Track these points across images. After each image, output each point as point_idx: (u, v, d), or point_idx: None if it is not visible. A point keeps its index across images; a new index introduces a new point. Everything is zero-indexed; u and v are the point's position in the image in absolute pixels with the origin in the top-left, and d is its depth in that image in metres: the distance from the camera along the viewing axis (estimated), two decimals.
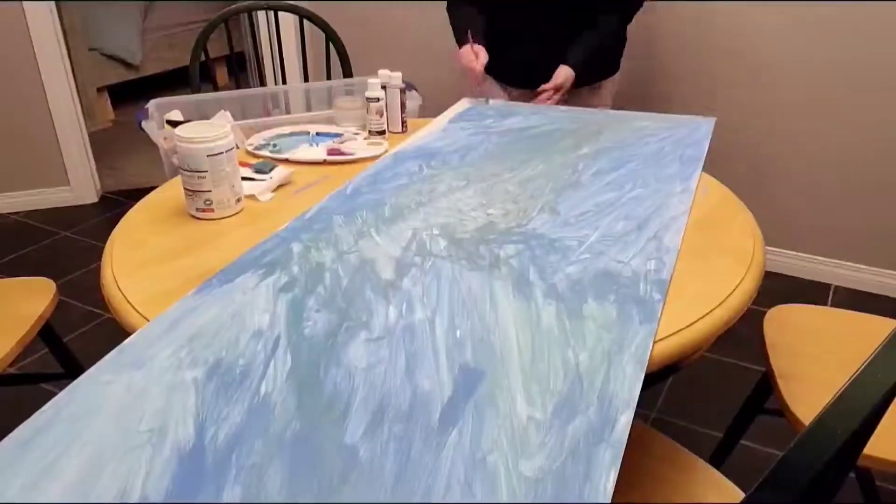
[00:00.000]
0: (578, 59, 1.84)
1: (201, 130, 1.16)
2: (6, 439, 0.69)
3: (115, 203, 3.12)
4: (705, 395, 1.90)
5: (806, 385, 1.16)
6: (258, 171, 1.35)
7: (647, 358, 0.80)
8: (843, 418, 0.58)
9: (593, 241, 1.07)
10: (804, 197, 2.36)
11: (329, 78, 2.30)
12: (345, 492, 0.63)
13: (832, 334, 1.31)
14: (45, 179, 3.05)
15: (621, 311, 0.89)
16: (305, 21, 2.24)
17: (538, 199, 1.22)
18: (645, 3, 1.92)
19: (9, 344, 1.34)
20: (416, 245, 1.07)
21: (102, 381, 0.77)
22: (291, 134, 1.60)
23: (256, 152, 1.49)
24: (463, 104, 1.80)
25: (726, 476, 1.00)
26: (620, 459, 0.66)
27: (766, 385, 1.26)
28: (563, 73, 1.83)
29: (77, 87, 3.06)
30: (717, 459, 1.50)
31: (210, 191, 1.18)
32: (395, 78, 1.61)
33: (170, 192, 1.32)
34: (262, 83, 3.03)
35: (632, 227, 1.12)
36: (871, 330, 1.28)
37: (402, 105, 1.62)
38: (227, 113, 1.65)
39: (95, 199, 3.15)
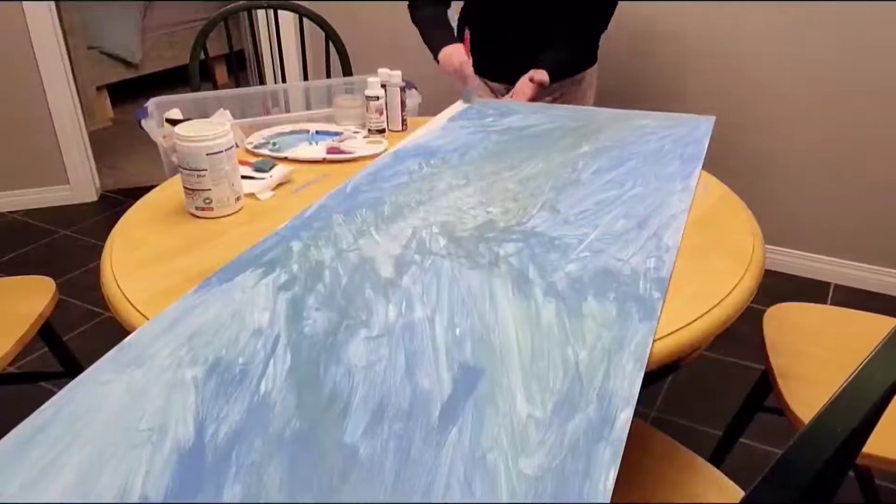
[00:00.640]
0: (551, 65, 1.86)
1: (201, 129, 1.16)
2: (6, 438, 0.69)
3: (115, 202, 3.12)
4: (705, 393, 1.90)
5: (805, 384, 1.16)
6: (258, 170, 1.35)
7: (647, 356, 0.80)
8: (842, 417, 0.58)
9: (593, 239, 1.07)
10: (804, 195, 2.36)
11: (329, 76, 2.30)
12: (345, 490, 0.63)
13: (832, 333, 1.31)
14: (44, 178, 3.05)
15: (621, 310, 0.89)
16: (305, 19, 2.24)
17: (538, 198, 1.22)
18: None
19: (8, 343, 1.34)
20: (416, 243, 1.07)
21: (102, 380, 0.77)
22: (291, 132, 1.60)
23: (256, 151, 1.49)
24: (462, 103, 1.79)
25: (726, 474, 1.00)
26: (620, 457, 0.66)
27: (766, 383, 1.26)
28: (538, 76, 1.84)
29: (77, 85, 3.06)
30: (717, 458, 1.50)
31: (209, 189, 1.18)
32: (395, 76, 1.61)
33: (169, 190, 1.32)
34: (262, 82, 3.03)
35: (632, 225, 1.12)
36: (871, 328, 1.28)
37: (402, 103, 1.62)
38: (227, 111, 1.65)
39: (95, 198, 3.15)
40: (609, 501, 0.61)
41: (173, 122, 1.60)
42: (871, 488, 1.34)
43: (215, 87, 2.19)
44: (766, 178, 2.39)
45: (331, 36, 2.23)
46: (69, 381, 0.77)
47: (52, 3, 2.82)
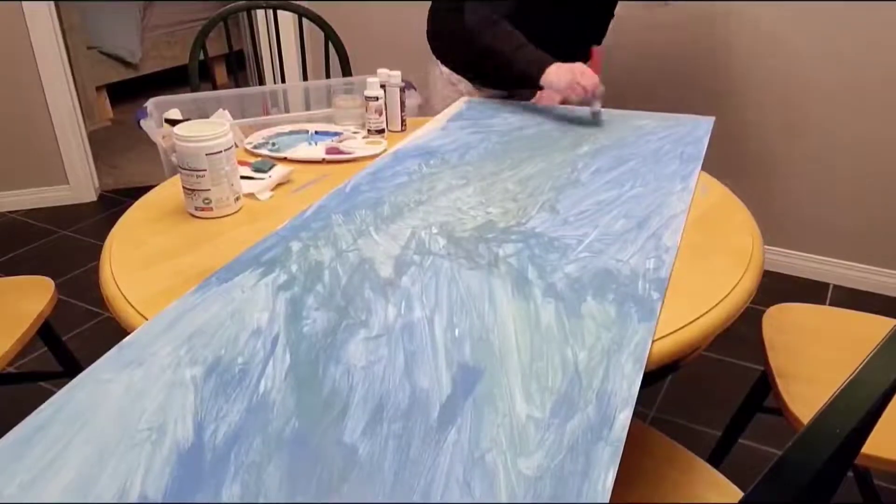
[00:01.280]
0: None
1: (200, 129, 1.16)
2: (5, 438, 0.69)
3: (114, 202, 3.12)
4: (704, 393, 1.90)
5: (804, 384, 1.16)
6: (257, 170, 1.35)
7: (646, 356, 0.80)
8: (841, 417, 0.58)
9: (592, 239, 1.07)
10: (803, 196, 2.36)
11: (328, 77, 2.30)
12: (344, 490, 0.63)
13: (831, 333, 1.31)
14: (44, 178, 3.04)
15: (620, 310, 0.89)
16: (304, 20, 2.24)
17: (538, 198, 1.22)
18: None
19: (8, 343, 1.34)
20: (416, 244, 1.07)
21: (102, 380, 0.77)
22: (290, 133, 1.60)
23: (255, 151, 1.49)
24: (462, 103, 1.79)
25: (725, 475, 1.00)
26: (619, 458, 0.66)
27: (765, 384, 1.26)
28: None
29: (76, 85, 3.05)
30: (716, 458, 1.50)
31: (209, 189, 1.18)
32: (395, 77, 1.61)
33: (169, 190, 1.32)
34: (262, 82, 3.03)
35: (631, 225, 1.12)
36: (870, 329, 1.28)
37: (402, 104, 1.62)
38: (226, 112, 1.65)
39: (94, 198, 3.14)
40: (608, 502, 0.61)
41: (173, 123, 1.60)
42: (870, 489, 1.35)
43: (215, 87, 2.19)
44: (765, 178, 2.39)
45: (330, 36, 2.23)
46: (69, 381, 0.77)
47: (52, 3, 2.82)
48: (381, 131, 1.59)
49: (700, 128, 1.56)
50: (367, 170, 1.36)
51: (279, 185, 1.34)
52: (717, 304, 0.92)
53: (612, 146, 1.46)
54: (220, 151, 1.17)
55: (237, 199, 1.23)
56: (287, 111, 2.02)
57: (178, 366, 0.79)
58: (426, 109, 1.90)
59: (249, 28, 3.34)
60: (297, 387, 0.76)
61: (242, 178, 1.27)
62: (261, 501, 0.62)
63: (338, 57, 2.25)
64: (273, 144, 1.52)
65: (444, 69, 1.92)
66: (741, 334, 1.43)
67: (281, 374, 0.78)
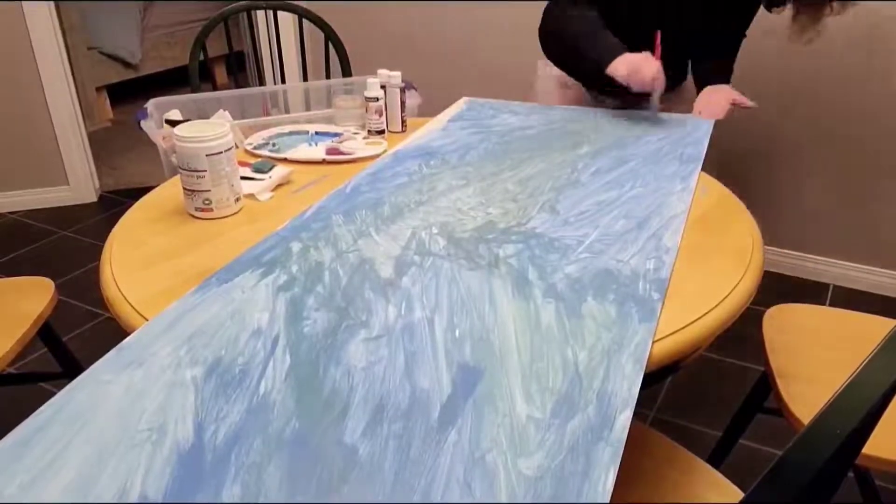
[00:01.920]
0: (723, 76, 1.72)
1: (200, 130, 1.16)
2: (5, 438, 0.69)
3: (115, 202, 3.12)
4: (704, 394, 1.90)
5: (805, 384, 1.17)
6: (257, 171, 1.35)
7: (647, 357, 0.80)
8: (841, 418, 0.58)
9: (593, 240, 1.07)
10: (803, 196, 2.36)
11: (328, 77, 2.30)
12: (344, 490, 0.63)
13: (831, 334, 1.31)
14: (44, 179, 3.05)
15: (620, 311, 0.89)
16: (304, 20, 2.24)
17: (538, 198, 1.22)
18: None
19: (8, 343, 1.34)
20: (416, 244, 1.07)
21: (102, 381, 0.77)
22: (291, 133, 1.60)
23: (255, 152, 1.49)
24: (462, 103, 1.80)
25: (725, 475, 1.00)
26: (619, 458, 0.66)
27: (765, 384, 1.26)
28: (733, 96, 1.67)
29: (76, 86, 3.05)
30: (716, 459, 1.50)
31: (209, 190, 1.18)
32: (395, 77, 1.61)
33: (169, 191, 1.32)
34: (262, 82, 3.03)
35: (631, 226, 1.12)
36: (870, 329, 1.28)
37: (402, 104, 1.62)
38: (227, 112, 1.65)
39: (94, 199, 3.14)
40: (608, 502, 0.61)
41: (173, 123, 1.60)
42: (871, 489, 1.35)
43: (215, 87, 2.19)
44: (765, 179, 2.39)
45: (330, 37, 2.23)
46: (69, 382, 0.77)
47: (52, 3, 2.82)
48: (381, 132, 1.59)
49: (700, 128, 1.56)
50: (368, 170, 1.36)
51: (279, 185, 1.34)
52: (717, 305, 0.92)
53: (612, 146, 1.46)
54: (221, 152, 1.17)
55: (237, 199, 1.23)
56: (287, 112, 2.02)
57: (178, 366, 0.79)
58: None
59: (249, 29, 3.34)
60: (297, 387, 0.76)
61: (242, 178, 1.27)
62: (261, 502, 0.62)
63: (338, 57, 2.25)
64: (273, 145, 1.52)
65: (556, 70, 1.83)
66: (741, 335, 1.43)
67: (281, 375, 0.78)
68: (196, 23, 4.41)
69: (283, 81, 2.55)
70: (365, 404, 0.73)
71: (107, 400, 0.74)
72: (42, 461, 0.66)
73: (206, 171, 1.16)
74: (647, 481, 0.99)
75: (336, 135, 1.59)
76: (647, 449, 1.04)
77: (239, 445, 0.68)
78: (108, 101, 4.18)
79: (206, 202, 1.19)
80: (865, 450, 0.93)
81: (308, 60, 2.43)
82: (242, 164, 1.35)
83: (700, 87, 1.74)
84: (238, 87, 2.15)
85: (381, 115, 1.58)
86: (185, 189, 1.20)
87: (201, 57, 2.12)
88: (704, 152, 1.42)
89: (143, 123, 1.64)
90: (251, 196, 1.28)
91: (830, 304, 2.29)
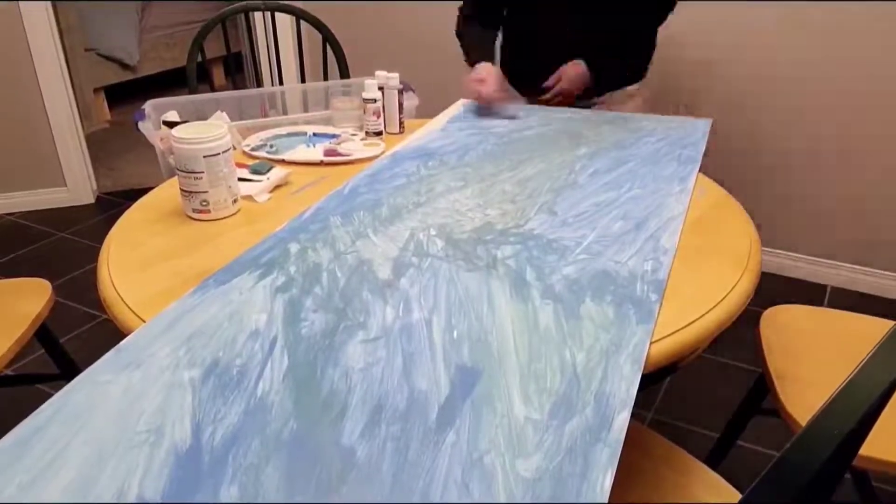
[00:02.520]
0: (593, 61, 1.76)
1: (198, 131, 1.16)
2: (4, 439, 0.69)
3: (112, 204, 3.12)
4: (702, 395, 1.90)
5: (802, 385, 1.17)
6: (255, 172, 1.35)
7: (644, 358, 0.80)
8: (839, 419, 0.58)
9: (591, 241, 1.07)
10: (801, 198, 2.36)
11: (326, 79, 2.30)
12: (342, 492, 0.63)
13: (828, 335, 1.31)
14: (41, 180, 3.04)
15: (618, 312, 0.89)
16: (302, 22, 2.24)
17: (536, 200, 1.22)
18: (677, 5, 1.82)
19: (5, 345, 1.33)
20: (414, 245, 1.07)
21: (100, 382, 0.77)
22: (288, 135, 1.60)
23: (253, 153, 1.49)
24: (460, 105, 1.80)
25: (723, 476, 1.00)
26: (617, 459, 0.66)
27: (763, 385, 1.26)
28: (568, 73, 1.75)
29: (73, 87, 3.05)
30: (714, 460, 1.50)
31: (207, 192, 1.18)
32: (393, 79, 1.61)
33: (167, 192, 1.32)
34: (259, 84, 3.03)
35: (629, 227, 1.12)
36: (867, 331, 1.28)
37: (400, 106, 1.62)
38: (224, 114, 1.64)
39: (92, 200, 3.14)
40: (606, 503, 0.62)
41: (170, 125, 1.60)
42: (868, 490, 1.35)
43: (212, 89, 2.19)
44: (763, 180, 2.39)
45: (328, 38, 2.23)
46: (66, 384, 0.77)
47: (49, 4, 2.82)
48: (379, 133, 1.59)
49: (698, 129, 1.56)
50: (366, 171, 1.36)
51: (277, 186, 1.34)
52: (715, 306, 0.92)
53: (610, 148, 1.46)
54: (218, 153, 1.17)
55: (235, 200, 1.23)
56: (285, 113, 2.02)
57: (176, 367, 0.79)
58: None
59: (247, 30, 3.34)
60: (295, 388, 0.76)
61: (240, 180, 1.27)
62: (259, 503, 0.62)
63: (335, 59, 2.25)
64: (271, 146, 1.52)
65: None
66: (739, 336, 1.43)
67: (279, 376, 0.78)
68: (194, 24, 4.41)
69: (281, 83, 2.55)
70: (363, 405, 0.73)
71: (105, 401, 0.74)
72: (41, 462, 0.66)
73: (203, 172, 1.16)
74: (644, 482, 0.99)
75: (334, 136, 1.59)
76: (645, 450, 1.05)
77: (237, 446, 0.68)
78: (105, 103, 4.18)
79: (204, 203, 1.19)
80: (863, 451, 0.94)
81: (306, 62, 2.43)
82: (240, 165, 1.35)
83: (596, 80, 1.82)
84: (236, 88, 2.15)
85: (378, 117, 1.58)
86: (182, 190, 1.20)
87: (199, 58, 2.12)
88: (702, 154, 1.42)
89: (140, 125, 1.64)
90: (249, 197, 1.28)
91: (828, 306, 2.30)
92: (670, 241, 1.07)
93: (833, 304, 2.31)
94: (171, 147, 1.21)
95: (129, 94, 4.28)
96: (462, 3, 1.91)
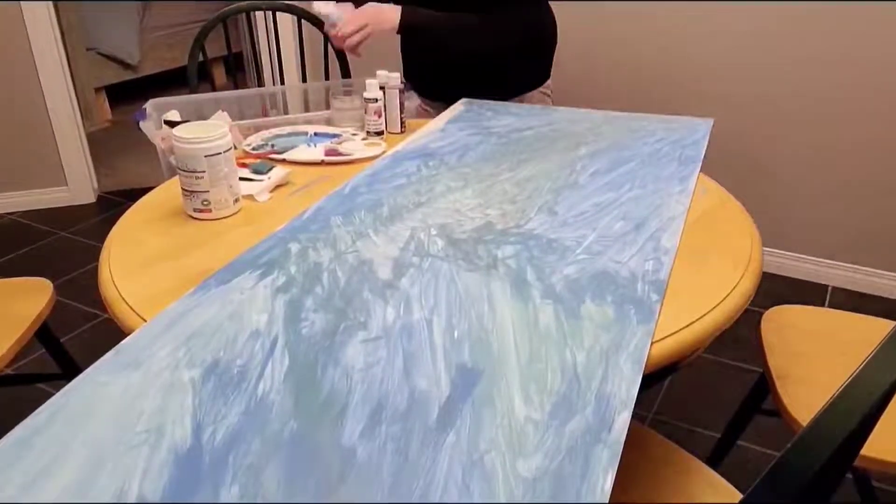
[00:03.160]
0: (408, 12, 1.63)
1: (199, 131, 1.16)
2: (4, 439, 0.69)
3: (113, 203, 3.12)
4: (703, 395, 1.90)
5: (803, 386, 1.17)
6: (256, 172, 1.35)
7: (645, 358, 0.80)
8: (840, 419, 0.58)
9: (591, 241, 1.07)
10: (802, 198, 2.36)
11: (327, 78, 2.30)
12: (342, 492, 0.63)
13: (829, 335, 1.31)
14: (42, 179, 3.04)
15: (619, 312, 0.89)
16: (303, 21, 2.24)
17: (536, 200, 1.22)
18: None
19: (6, 344, 1.33)
20: (414, 245, 1.07)
21: (100, 382, 0.77)
22: (289, 134, 1.60)
23: (254, 152, 1.49)
24: (461, 104, 1.80)
25: (723, 477, 1.00)
26: (618, 459, 0.66)
27: (764, 386, 1.26)
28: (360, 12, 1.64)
29: (74, 86, 3.05)
30: (715, 460, 1.51)
31: (207, 191, 1.18)
32: (394, 78, 1.61)
33: (167, 192, 1.32)
34: (260, 83, 3.03)
35: (630, 227, 1.12)
36: (868, 331, 1.28)
37: (401, 105, 1.62)
38: (225, 113, 1.64)
39: (93, 200, 3.14)
40: (606, 503, 0.61)
41: (171, 124, 1.60)
42: (869, 490, 1.35)
43: (213, 88, 2.18)
44: (764, 180, 2.39)
45: (329, 37, 2.23)
46: (67, 383, 0.77)
47: (51, 4, 2.82)
48: (380, 133, 1.59)
49: (699, 129, 1.56)
50: (366, 171, 1.36)
51: (278, 186, 1.34)
52: (715, 306, 0.92)
53: (610, 148, 1.46)
54: (219, 153, 1.17)
55: (236, 200, 1.23)
56: (286, 113, 2.02)
57: (176, 367, 0.79)
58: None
59: (248, 29, 3.35)
60: (295, 388, 0.76)
61: (241, 179, 1.27)
62: (259, 503, 0.62)
63: (336, 58, 2.25)
64: (272, 146, 1.52)
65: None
66: (740, 336, 1.43)
67: (279, 376, 0.78)
68: (195, 24, 4.41)
69: (282, 82, 2.55)
70: (363, 405, 0.73)
71: (105, 401, 0.74)
72: (40, 462, 0.66)
73: (204, 171, 1.16)
74: (645, 482, 0.99)
75: (335, 136, 1.59)
76: (645, 450, 1.04)
77: (237, 447, 0.68)
78: (106, 102, 4.18)
79: (205, 203, 1.19)
80: (864, 451, 0.94)
81: (307, 61, 2.43)
82: (241, 164, 1.35)
83: None
84: (237, 87, 2.15)
85: (379, 116, 1.58)
86: (183, 190, 1.20)
87: (200, 58, 2.12)
88: (703, 153, 1.42)
89: (141, 124, 1.64)
90: (250, 197, 1.28)
91: (829, 306, 2.30)
92: (671, 241, 1.07)
93: (834, 305, 2.31)
94: (171, 146, 1.21)
95: (129, 93, 4.29)
96: None
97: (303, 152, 1.49)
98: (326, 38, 2.23)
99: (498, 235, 1.10)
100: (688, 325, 0.88)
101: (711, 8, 2.25)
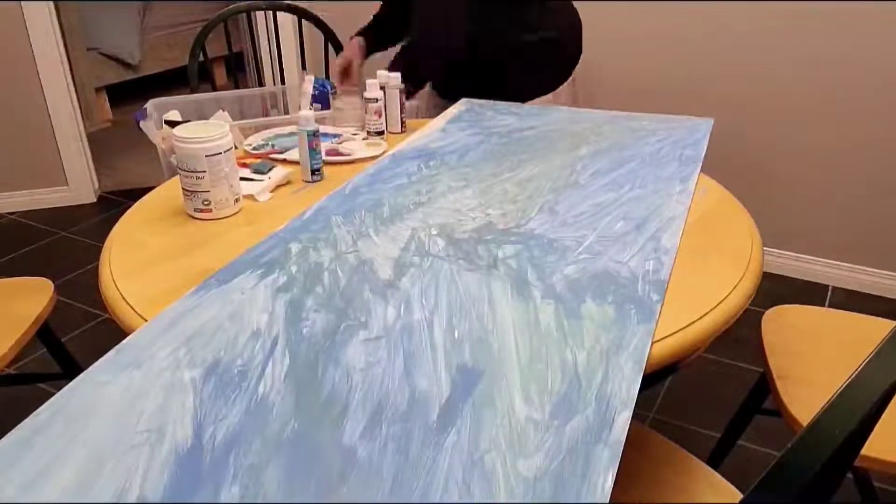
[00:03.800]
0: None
1: (199, 130, 1.16)
2: (4, 439, 0.69)
3: (114, 203, 3.12)
4: (703, 395, 1.90)
5: (804, 386, 1.17)
6: (257, 172, 1.35)
7: (646, 358, 0.80)
8: (840, 419, 0.58)
9: (592, 241, 1.07)
10: (802, 198, 2.36)
11: (328, 78, 2.29)
12: (343, 492, 0.63)
13: (830, 335, 1.31)
14: (43, 179, 3.04)
15: (619, 312, 0.89)
16: (304, 21, 2.24)
17: (537, 200, 1.22)
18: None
19: (7, 344, 1.33)
20: (415, 245, 1.07)
21: (100, 381, 0.77)
22: (290, 134, 1.60)
23: (255, 152, 1.49)
24: (461, 104, 1.79)
25: (724, 476, 1.00)
26: (618, 459, 0.66)
27: (764, 385, 1.26)
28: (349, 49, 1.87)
29: (75, 86, 3.05)
30: (715, 460, 1.50)
31: (208, 191, 1.18)
32: (394, 78, 1.61)
33: (168, 192, 1.32)
34: (261, 83, 3.03)
35: (630, 227, 1.12)
36: (869, 331, 1.28)
37: (402, 105, 1.62)
38: (226, 113, 1.64)
39: (94, 199, 3.14)
40: (607, 503, 0.61)
41: (172, 124, 1.60)
42: (869, 490, 1.35)
43: (214, 88, 2.19)
44: (764, 180, 2.39)
45: (329, 37, 2.23)
46: (67, 383, 0.77)
47: (51, 4, 2.82)
48: (380, 133, 1.59)
49: (699, 129, 1.56)
50: (367, 171, 1.36)
51: (278, 186, 1.34)
52: (716, 306, 0.92)
53: (611, 148, 1.46)
54: (220, 153, 1.17)
55: (236, 200, 1.23)
56: (286, 112, 2.02)
57: (177, 367, 0.79)
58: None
59: (249, 29, 3.35)
60: (296, 388, 0.76)
61: (242, 179, 1.27)
62: (260, 503, 0.62)
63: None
64: (272, 146, 1.52)
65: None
66: (740, 336, 1.43)
67: (280, 376, 0.78)
68: (195, 24, 4.41)
69: (283, 82, 2.55)
70: (364, 405, 0.73)
71: (105, 401, 0.74)
72: (41, 462, 0.66)
73: (205, 171, 1.16)
74: (645, 482, 0.99)
75: (335, 136, 1.59)
76: (646, 450, 1.04)
77: (238, 446, 0.68)
78: (107, 102, 4.18)
79: (206, 203, 1.19)
80: (864, 451, 0.93)
81: (307, 61, 2.43)
82: (242, 164, 1.35)
83: None
84: (237, 87, 2.15)
85: (380, 116, 1.58)
86: (184, 190, 1.20)
87: (201, 57, 2.12)
88: (703, 153, 1.42)
89: (142, 124, 1.64)
90: (250, 197, 1.28)
91: (830, 306, 2.29)
92: (671, 241, 1.07)
93: (834, 304, 2.31)
94: (172, 146, 1.21)
95: (130, 93, 4.29)
96: None
97: None
98: (326, 39, 2.24)
99: (498, 235, 1.10)
100: (688, 325, 0.88)
101: (711, 8, 2.25)
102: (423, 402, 0.74)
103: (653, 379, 0.92)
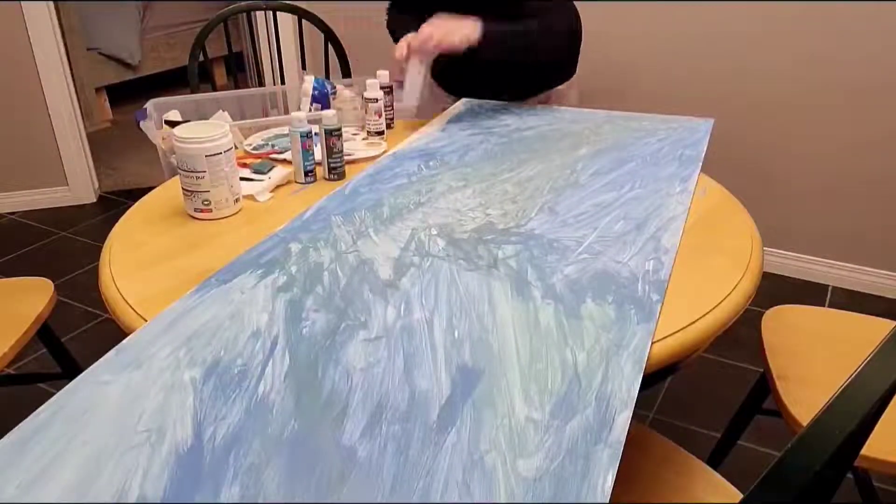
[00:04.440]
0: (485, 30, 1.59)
1: (199, 130, 1.16)
2: (4, 439, 0.69)
3: (114, 203, 3.12)
4: (703, 395, 1.90)
5: (804, 386, 1.17)
6: (257, 172, 1.35)
7: (646, 358, 0.80)
8: (840, 419, 0.58)
9: (592, 241, 1.07)
10: (802, 198, 2.36)
11: (328, 78, 2.30)
12: (343, 492, 0.63)
13: (830, 335, 1.31)
14: (43, 179, 3.04)
15: (619, 312, 0.89)
16: (304, 21, 2.25)
17: (537, 200, 1.22)
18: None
19: (7, 344, 1.34)
20: (415, 245, 1.07)
21: (100, 381, 0.77)
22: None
23: (255, 152, 1.49)
24: (461, 104, 1.79)
25: (724, 476, 1.00)
26: (618, 459, 0.66)
27: (764, 386, 1.26)
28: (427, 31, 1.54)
29: (75, 86, 3.05)
30: (715, 460, 1.51)
31: (208, 191, 1.18)
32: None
33: (168, 192, 1.32)
34: (261, 83, 3.03)
35: (630, 227, 1.12)
36: (869, 331, 1.28)
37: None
38: (226, 113, 1.64)
39: (94, 199, 3.14)
40: (607, 503, 0.61)
41: (172, 124, 1.60)
42: (870, 490, 1.35)
43: (214, 88, 2.18)
44: (764, 180, 2.39)
45: (330, 37, 2.23)
46: (67, 383, 0.77)
47: (52, 4, 2.82)
48: (380, 133, 1.59)
49: (699, 129, 1.56)
50: (367, 171, 1.36)
51: (278, 186, 1.34)
52: (716, 306, 0.92)
53: (611, 148, 1.46)
54: (220, 153, 1.17)
55: (236, 200, 1.23)
56: (286, 112, 2.02)
57: (177, 367, 0.79)
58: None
59: (249, 29, 3.35)
60: (296, 388, 0.76)
61: (242, 179, 1.27)
62: (260, 503, 0.62)
63: (337, 58, 2.25)
64: (272, 146, 1.52)
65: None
66: (740, 336, 1.43)
67: (280, 376, 0.78)
68: (195, 24, 4.41)
69: (283, 82, 2.55)
70: (364, 405, 0.73)
71: (105, 401, 0.74)
72: (41, 462, 0.66)
73: (205, 171, 1.16)
74: (646, 482, 0.99)
75: None
76: (646, 450, 1.04)
77: (238, 446, 0.68)
78: (107, 102, 4.18)
79: (206, 203, 1.19)
80: (864, 451, 0.94)
81: (307, 61, 2.43)
82: (242, 164, 1.35)
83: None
84: (237, 87, 2.15)
85: (380, 116, 1.58)
86: (184, 190, 1.20)
87: (201, 58, 2.12)
88: (703, 153, 1.42)
89: (142, 124, 1.64)
90: (250, 197, 1.28)
91: (830, 306, 2.30)
92: (671, 241, 1.07)
93: (834, 304, 2.31)
94: (172, 146, 1.21)
95: (130, 93, 4.29)
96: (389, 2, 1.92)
97: None
98: (326, 39, 2.24)
99: (498, 235, 1.10)
100: (688, 325, 0.88)
101: (712, 8, 2.25)
102: (423, 402, 0.74)
103: (653, 379, 0.92)
